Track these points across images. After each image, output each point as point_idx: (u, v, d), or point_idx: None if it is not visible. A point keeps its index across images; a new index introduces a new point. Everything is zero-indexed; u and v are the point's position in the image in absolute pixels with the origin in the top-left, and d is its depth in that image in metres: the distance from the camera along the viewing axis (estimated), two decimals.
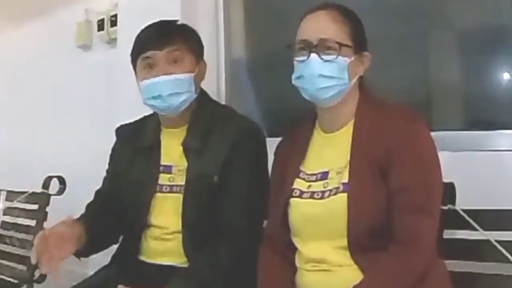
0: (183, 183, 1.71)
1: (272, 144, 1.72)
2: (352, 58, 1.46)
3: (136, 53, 1.73)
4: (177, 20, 1.81)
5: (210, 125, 1.73)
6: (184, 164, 1.73)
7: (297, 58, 1.48)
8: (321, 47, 1.44)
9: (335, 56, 1.44)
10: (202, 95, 1.81)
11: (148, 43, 1.71)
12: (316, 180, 1.49)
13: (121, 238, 1.85)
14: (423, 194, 1.38)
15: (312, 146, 1.56)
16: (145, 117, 1.87)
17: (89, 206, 1.84)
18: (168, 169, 1.75)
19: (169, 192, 1.73)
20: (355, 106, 1.50)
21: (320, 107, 1.53)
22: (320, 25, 1.47)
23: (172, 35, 1.72)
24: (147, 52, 1.70)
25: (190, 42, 1.74)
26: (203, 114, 1.76)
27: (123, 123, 1.93)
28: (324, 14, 1.48)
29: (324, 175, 1.48)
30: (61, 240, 1.53)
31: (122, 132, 1.90)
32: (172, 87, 1.69)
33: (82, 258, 1.70)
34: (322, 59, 1.44)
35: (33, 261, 1.51)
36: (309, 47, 1.45)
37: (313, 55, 1.44)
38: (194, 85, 1.72)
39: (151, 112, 1.83)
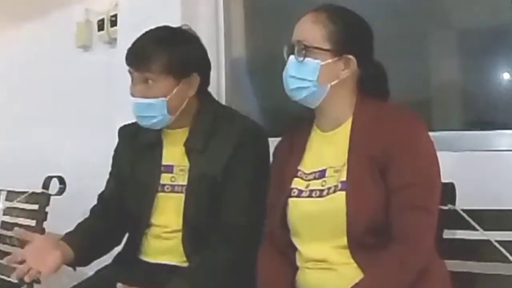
0: (184, 183, 1.72)
1: (272, 144, 1.73)
2: (328, 61, 1.45)
3: None
4: (169, 28, 1.77)
5: (212, 126, 1.73)
6: (185, 164, 1.73)
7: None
8: (297, 48, 1.47)
9: (302, 58, 1.45)
10: (205, 96, 1.81)
11: (128, 59, 1.70)
12: (314, 179, 1.50)
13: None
14: (421, 192, 1.38)
15: (310, 145, 1.56)
16: None
17: (92, 211, 1.86)
18: (169, 169, 1.76)
19: (170, 191, 1.74)
20: (353, 106, 1.50)
21: (315, 107, 1.53)
22: (300, 27, 1.50)
23: (147, 56, 1.67)
24: (129, 67, 1.70)
25: (169, 62, 1.66)
26: (205, 115, 1.76)
27: (125, 123, 1.93)
28: (310, 16, 1.49)
29: (322, 173, 1.49)
30: (39, 255, 1.57)
31: (125, 132, 1.91)
32: (142, 110, 1.69)
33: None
34: (297, 60, 1.46)
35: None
36: (290, 49, 1.48)
37: (291, 56, 1.48)
38: (167, 108, 1.68)
39: None
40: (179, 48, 1.71)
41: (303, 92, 1.47)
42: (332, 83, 1.47)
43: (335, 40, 1.46)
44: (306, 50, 1.45)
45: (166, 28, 1.77)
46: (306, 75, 1.46)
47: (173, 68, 1.67)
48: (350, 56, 1.47)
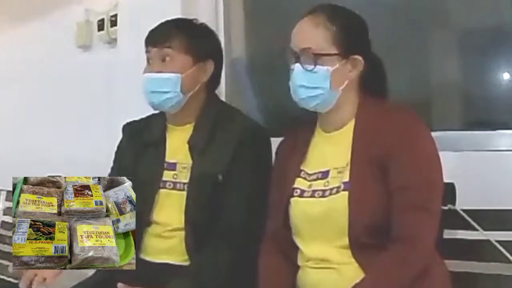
0: (186, 180, 1.73)
1: (274, 144, 1.73)
2: (337, 65, 1.44)
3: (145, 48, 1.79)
4: (193, 19, 1.85)
5: (216, 124, 1.75)
6: (188, 161, 1.74)
7: (290, 67, 1.49)
8: (303, 57, 1.45)
9: (312, 67, 1.43)
10: (212, 95, 1.83)
11: (147, 39, 1.76)
12: (317, 179, 1.50)
13: None
14: (423, 193, 1.38)
15: (313, 145, 1.56)
16: (153, 114, 1.89)
17: None
18: (172, 166, 1.77)
19: (172, 188, 1.74)
20: (356, 106, 1.50)
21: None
22: (303, 34, 1.47)
23: (168, 33, 1.74)
24: (147, 47, 1.76)
25: (187, 41, 1.74)
26: (209, 113, 1.78)
27: (128, 120, 1.94)
28: (309, 20, 1.47)
29: (325, 174, 1.49)
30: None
31: (129, 129, 1.92)
32: (154, 85, 1.72)
33: None
34: (304, 69, 1.44)
35: None
36: (294, 57, 1.46)
37: (297, 65, 1.45)
38: (180, 85, 1.72)
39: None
40: (199, 32, 1.80)
41: (315, 100, 1.46)
42: (343, 86, 1.46)
43: (340, 43, 1.44)
44: (316, 58, 1.43)
45: (187, 18, 1.88)
46: (318, 83, 1.44)
47: (192, 48, 1.74)
48: (357, 57, 1.46)
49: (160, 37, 1.74)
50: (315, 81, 1.44)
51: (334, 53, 1.44)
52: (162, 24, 1.78)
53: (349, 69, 1.47)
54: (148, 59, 1.76)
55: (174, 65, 1.72)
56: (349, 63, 1.46)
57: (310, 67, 1.43)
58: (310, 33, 1.45)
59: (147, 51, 1.76)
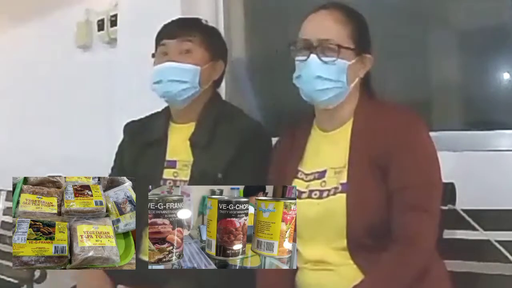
0: (187, 178, 1.73)
1: (273, 144, 1.73)
2: (353, 61, 1.45)
3: (156, 41, 1.80)
4: (202, 19, 1.88)
5: (218, 123, 1.76)
6: (189, 159, 1.74)
7: (297, 58, 1.47)
8: (321, 48, 1.43)
9: (334, 58, 1.42)
10: (214, 94, 1.85)
11: (164, 32, 1.79)
12: (314, 179, 1.49)
13: None
14: (422, 193, 1.38)
15: (310, 145, 1.56)
16: (154, 113, 1.89)
17: None
18: (172, 164, 1.77)
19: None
20: (355, 106, 1.50)
21: (322, 107, 1.52)
22: (321, 25, 1.46)
23: (187, 27, 1.78)
24: (163, 40, 1.77)
25: (206, 37, 1.78)
26: (212, 111, 1.79)
27: (129, 120, 1.94)
28: (326, 14, 1.47)
29: (322, 174, 1.48)
30: None
31: (130, 129, 1.93)
32: (173, 73, 1.73)
33: None
34: (321, 60, 1.43)
35: None
36: (309, 47, 1.44)
37: (312, 55, 1.43)
38: (199, 78, 1.75)
39: (159, 109, 1.86)
40: (213, 32, 1.86)
41: (330, 92, 1.45)
42: (354, 83, 1.47)
43: (355, 40, 1.45)
44: (339, 49, 1.42)
45: (193, 17, 1.93)
46: (336, 76, 1.43)
47: (209, 45, 1.78)
48: (368, 55, 1.47)
49: (181, 30, 1.77)
50: (333, 73, 1.43)
51: (353, 48, 1.44)
52: (178, 19, 1.83)
53: (360, 67, 1.47)
54: (162, 52, 1.77)
55: (194, 58, 1.75)
56: (361, 61, 1.47)
57: (329, 58, 1.42)
58: (330, 26, 1.45)
59: (161, 44, 1.77)
